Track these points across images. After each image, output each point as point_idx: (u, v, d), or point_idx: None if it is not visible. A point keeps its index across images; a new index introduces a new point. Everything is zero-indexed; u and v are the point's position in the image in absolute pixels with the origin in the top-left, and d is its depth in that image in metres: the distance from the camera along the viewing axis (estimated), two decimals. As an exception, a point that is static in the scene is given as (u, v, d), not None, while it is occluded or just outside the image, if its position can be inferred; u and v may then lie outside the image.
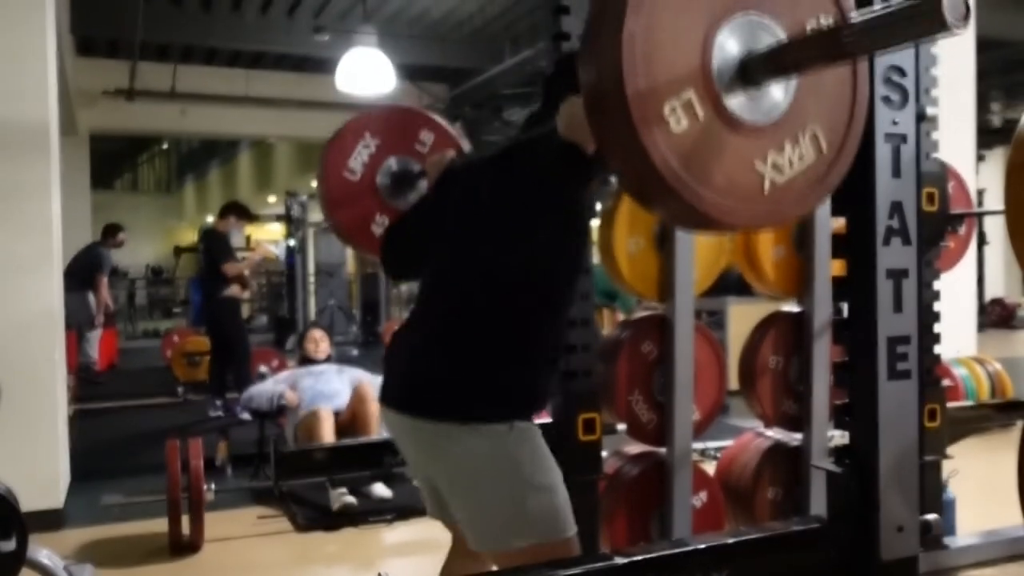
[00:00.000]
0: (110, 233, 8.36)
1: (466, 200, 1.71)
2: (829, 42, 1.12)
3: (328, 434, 4.23)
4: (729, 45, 1.17)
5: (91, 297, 8.00)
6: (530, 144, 1.67)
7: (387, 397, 1.73)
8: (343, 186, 2.38)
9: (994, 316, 12.89)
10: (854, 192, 1.66)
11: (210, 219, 19.02)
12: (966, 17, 0.95)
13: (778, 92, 1.22)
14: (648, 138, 1.11)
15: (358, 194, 2.39)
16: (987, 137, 11.73)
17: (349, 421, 4.38)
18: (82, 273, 7.83)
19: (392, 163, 2.42)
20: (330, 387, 4.59)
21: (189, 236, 22.90)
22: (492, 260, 1.63)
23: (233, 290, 6.46)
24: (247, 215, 6.64)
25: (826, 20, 1.24)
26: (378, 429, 4.33)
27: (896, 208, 1.62)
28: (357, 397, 4.41)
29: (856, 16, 1.11)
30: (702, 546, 1.63)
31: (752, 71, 1.17)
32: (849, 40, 1.08)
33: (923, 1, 0.97)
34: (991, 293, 13.67)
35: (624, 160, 1.16)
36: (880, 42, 1.09)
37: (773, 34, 1.20)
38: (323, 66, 10.65)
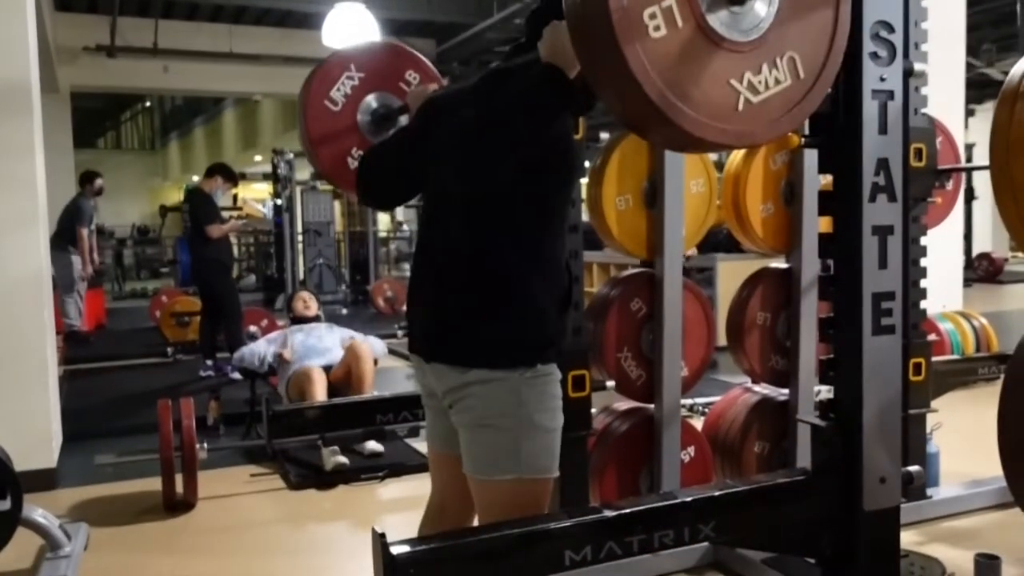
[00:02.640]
0: (87, 181, 8.20)
1: (449, 126, 1.70)
2: None
3: (320, 392, 4.26)
4: None
5: (73, 257, 7.90)
6: (512, 70, 1.68)
7: (414, 348, 1.78)
8: (323, 115, 2.37)
9: (981, 271, 12.98)
10: (841, 149, 1.66)
11: (196, 178, 18.85)
12: None
13: (760, 12, 1.25)
14: (626, 42, 1.13)
15: (338, 125, 2.38)
16: (977, 91, 11.70)
17: (343, 377, 4.40)
18: (67, 230, 7.75)
19: (374, 99, 2.41)
20: (321, 343, 4.62)
21: (174, 195, 22.71)
22: (478, 187, 1.62)
23: (232, 225, 6.65)
24: (233, 178, 6.59)
25: None
26: (372, 388, 4.37)
27: (882, 165, 1.62)
28: (352, 354, 4.43)
29: None
30: (689, 499, 1.66)
31: None
32: None
33: None
34: (979, 248, 13.74)
35: (602, 64, 1.19)
36: None
37: None
38: (307, 21, 10.49)
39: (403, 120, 2.37)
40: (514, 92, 1.53)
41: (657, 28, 1.15)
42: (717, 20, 1.21)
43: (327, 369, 4.44)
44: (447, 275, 1.69)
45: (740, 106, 1.24)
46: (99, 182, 8.27)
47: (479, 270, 1.65)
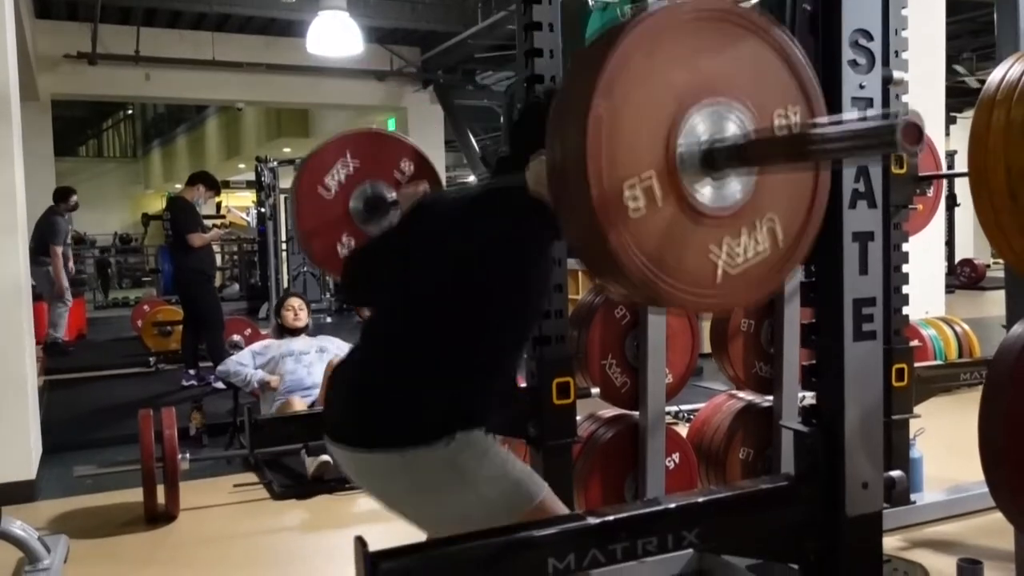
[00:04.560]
0: (62, 197, 8.10)
1: (431, 236, 1.73)
2: (795, 145, 1.13)
3: None
4: (695, 131, 1.16)
5: (46, 269, 7.83)
6: (500, 195, 1.68)
7: (331, 433, 1.71)
8: (315, 201, 2.37)
9: (964, 277, 13.08)
10: (822, 155, 1.66)
11: (178, 187, 18.75)
12: (918, 142, 1.00)
13: (739, 181, 1.21)
14: (605, 219, 1.10)
15: (329, 212, 2.38)
16: (958, 100, 11.82)
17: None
18: (42, 244, 7.68)
19: (367, 188, 2.42)
20: (310, 378, 4.55)
21: (157, 204, 22.56)
22: (446, 297, 1.64)
23: (214, 235, 6.68)
24: (215, 187, 6.55)
25: (793, 112, 1.24)
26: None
27: (862, 171, 1.62)
28: (330, 369, 4.39)
29: (822, 124, 1.11)
30: (672, 506, 1.65)
31: (716, 160, 1.16)
32: (814, 148, 1.10)
33: (883, 128, 1.02)
34: (961, 254, 13.86)
35: (581, 237, 1.16)
36: (842, 154, 1.12)
37: (740, 122, 1.19)
38: (291, 29, 10.47)
39: (393, 214, 2.38)
40: (501, 219, 1.61)
41: (637, 205, 1.12)
42: (697, 191, 1.17)
43: (310, 406, 4.40)
44: (376, 362, 1.69)
45: (719, 276, 1.21)
46: (74, 199, 8.19)
47: (410, 358, 1.64)
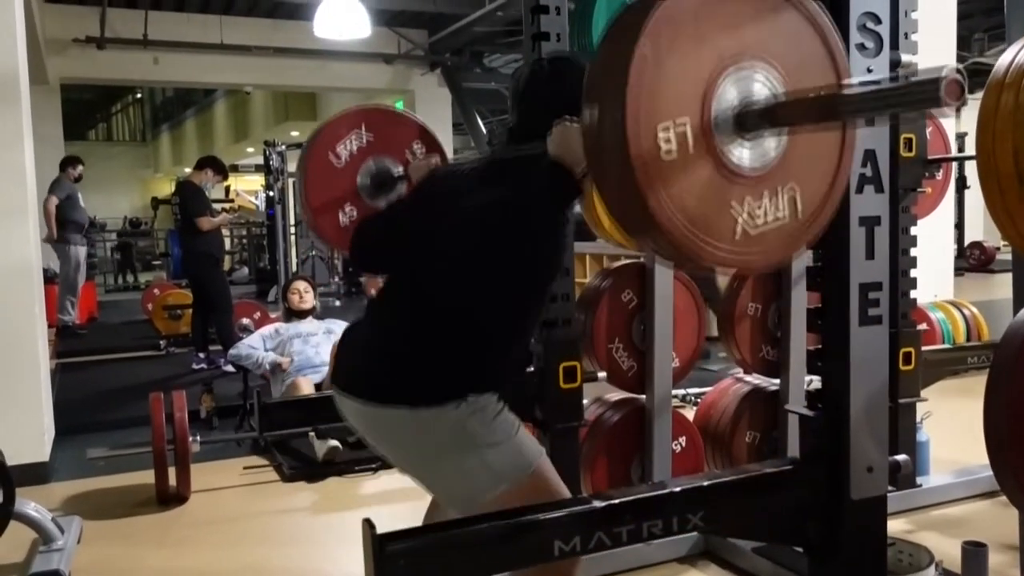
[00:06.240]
0: (68, 164, 8.05)
1: (446, 205, 1.73)
2: (825, 107, 1.18)
3: None
4: (731, 90, 1.22)
5: (72, 248, 7.87)
6: (520, 162, 1.68)
7: (342, 384, 1.73)
8: (324, 167, 2.38)
9: (973, 260, 12.99)
10: (829, 139, 1.66)
11: (187, 170, 18.76)
12: (960, 98, 1.03)
13: (768, 145, 1.27)
14: (637, 155, 1.15)
15: (336, 179, 2.39)
16: (970, 81, 11.72)
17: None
18: (60, 222, 7.69)
19: (376, 163, 2.42)
20: (318, 357, 4.58)
21: (166, 187, 22.61)
22: (462, 263, 1.65)
23: (223, 218, 6.65)
24: (223, 171, 6.57)
25: (824, 80, 1.30)
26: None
27: (869, 156, 1.62)
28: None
29: (855, 85, 1.14)
30: (677, 489, 1.67)
31: (747, 119, 1.22)
32: (848, 107, 1.15)
33: (926, 82, 1.04)
34: (971, 237, 13.76)
35: (610, 171, 1.21)
36: (883, 110, 1.16)
37: (774, 87, 1.26)
38: (298, 12, 10.44)
39: (401, 187, 2.38)
40: (521, 189, 1.59)
41: (669, 146, 1.18)
42: (726, 146, 1.23)
43: (318, 386, 4.43)
44: (397, 324, 1.71)
45: (738, 233, 1.27)
46: (80, 168, 8.11)
47: (432, 326, 1.66)
